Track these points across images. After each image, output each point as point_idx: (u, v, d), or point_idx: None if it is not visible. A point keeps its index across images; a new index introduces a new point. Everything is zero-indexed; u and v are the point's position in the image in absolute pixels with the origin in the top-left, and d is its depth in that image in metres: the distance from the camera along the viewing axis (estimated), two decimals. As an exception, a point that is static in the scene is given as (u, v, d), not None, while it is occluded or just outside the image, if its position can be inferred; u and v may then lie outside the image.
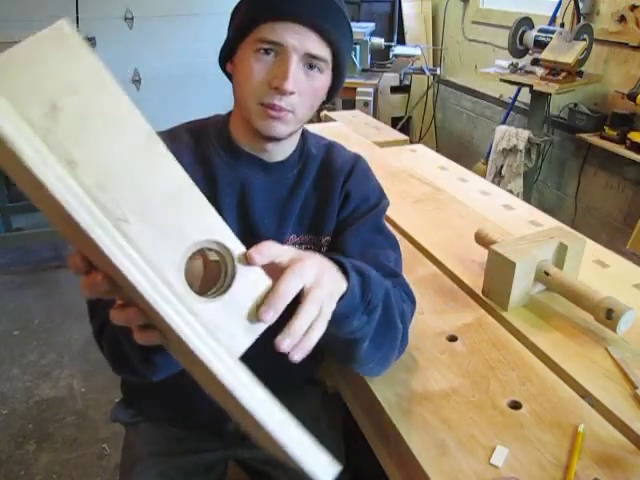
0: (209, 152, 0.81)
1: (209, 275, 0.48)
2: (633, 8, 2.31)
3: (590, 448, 0.69)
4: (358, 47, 2.88)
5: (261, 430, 0.40)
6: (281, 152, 0.81)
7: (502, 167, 2.72)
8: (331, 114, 2.18)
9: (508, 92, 3.02)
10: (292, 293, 0.47)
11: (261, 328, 0.46)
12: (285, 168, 0.83)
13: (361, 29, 2.87)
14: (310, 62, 0.71)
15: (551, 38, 2.44)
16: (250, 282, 0.46)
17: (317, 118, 2.16)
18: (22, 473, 1.62)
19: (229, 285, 0.45)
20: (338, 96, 0.88)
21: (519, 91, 2.91)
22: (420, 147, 1.83)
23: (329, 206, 0.83)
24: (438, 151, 1.85)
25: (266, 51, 0.70)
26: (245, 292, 0.45)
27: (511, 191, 2.57)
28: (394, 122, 3.64)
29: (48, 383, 1.95)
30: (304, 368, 0.95)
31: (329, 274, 0.54)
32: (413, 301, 0.82)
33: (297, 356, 0.47)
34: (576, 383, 0.79)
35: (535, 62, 2.53)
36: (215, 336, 0.40)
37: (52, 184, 0.34)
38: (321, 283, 0.51)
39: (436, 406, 0.75)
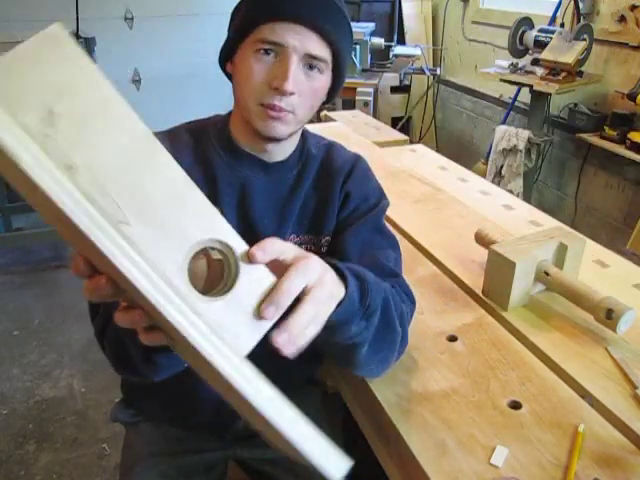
0: (209, 152, 0.81)
1: (213, 274, 0.48)
2: (633, 8, 2.31)
3: (590, 448, 0.69)
4: (358, 47, 2.88)
5: (271, 428, 0.39)
6: (281, 152, 0.81)
7: (502, 167, 2.72)
8: (331, 114, 2.18)
9: (508, 92, 3.02)
10: (296, 291, 0.47)
11: (266, 326, 0.45)
12: (285, 168, 0.83)
13: (361, 29, 2.87)
14: (310, 62, 0.71)
15: (551, 38, 2.44)
16: (254, 280, 0.45)
17: (317, 118, 2.16)
18: (22, 473, 1.62)
19: (233, 283, 0.45)
20: (338, 96, 0.88)
21: (519, 91, 2.91)
22: (420, 147, 1.83)
23: (329, 206, 0.83)
24: (438, 151, 1.85)
25: (266, 51, 0.70)
26: (249, 290, 0.45)
27: (511, 191, 2.57)
28: (394, 122, 3.64)
29: (48, 383, 1.95)
30: (304, 368, 0.95)
31: (331, 274, 0.54)
32: (413, 301, 0.82)
33: (288, 351, 0.47)
34: (576, 383, 0.79)
35: (535, 62, 2.53)
36: (220, 335, 0.40)
37: (51, 189, 0.34)
38: (323, 283, 0.51)
39: (436, 406, 0.75)
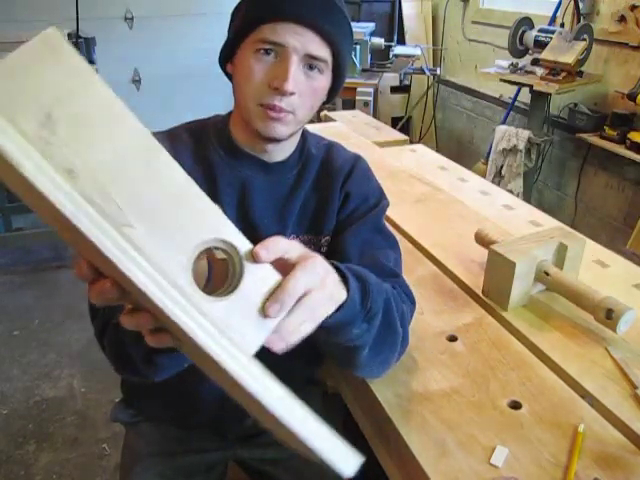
0: (209, 152, 0.81)
1: (217, 274, 0.48)
2: (633, 8, 2.31)
3: (590, 448, 0.69)
4: (358, 47, 2.89)
5: (281, 427, 0.39)
6: (281, 152, 0.81)
7: (502, 167, 2.72)
8: (331, 114, 2.18)
9: (508, 92, 3.02)
10: (301, 290, 0.47)
11: (272, 325, 0.45)
12: (285, 168, 0.83)
13: (361, 29, 2.87)
14: (310, 63, 0.71)
15: (551, 38, 2.44)
16: (259, 279, 0.45)
17: (317, 118, 2.16)
18: (22, 473, 1.62)
19: (238, 283, 0.44)
20: (338, 96, 0.88)
21: (519, 91, 2.91)
22: (420, 147, 1.83)
23: (329, 206, 0.83)
24: (438, 151, 1.85)
25: (266, 51, 0.70)
26: (254, 289, 0.45)
27: (511, 191, 2.57)
28: (394, 122, 3.64)
29: (48, 383, 1.95)
30: (304, 368, 0.95)
31: (333, 276, 0.54)
32: (413, 301, 0.82)
33: (278, 348, 0.47)
34: (576, 383, 0.79)
35: (535, 62, 2.53)
36: (227, 335, 0.39)
37: (54, 195, 0.34)
38: (325, 284, 0.51)
39: (436, 406, 0.75)
